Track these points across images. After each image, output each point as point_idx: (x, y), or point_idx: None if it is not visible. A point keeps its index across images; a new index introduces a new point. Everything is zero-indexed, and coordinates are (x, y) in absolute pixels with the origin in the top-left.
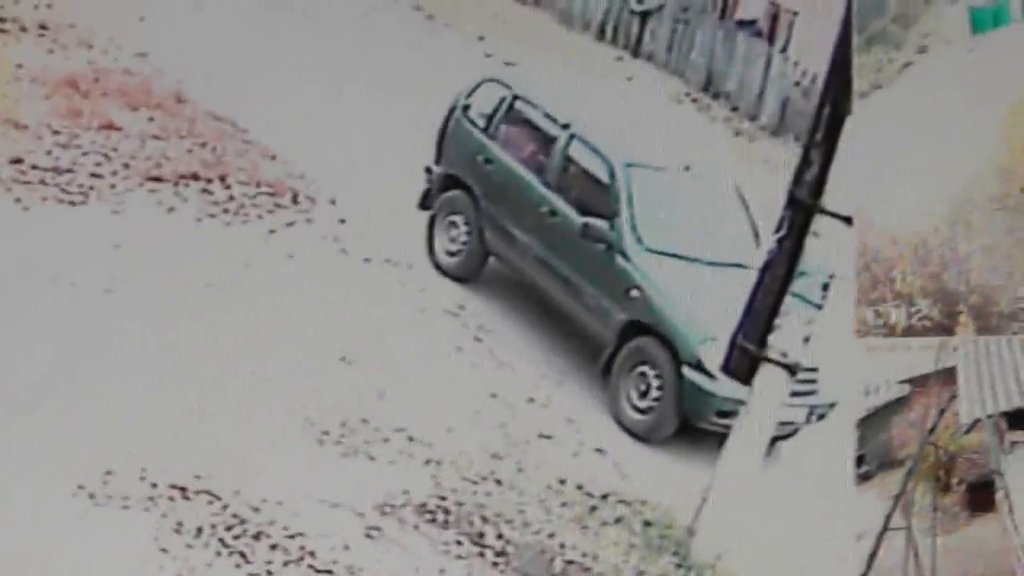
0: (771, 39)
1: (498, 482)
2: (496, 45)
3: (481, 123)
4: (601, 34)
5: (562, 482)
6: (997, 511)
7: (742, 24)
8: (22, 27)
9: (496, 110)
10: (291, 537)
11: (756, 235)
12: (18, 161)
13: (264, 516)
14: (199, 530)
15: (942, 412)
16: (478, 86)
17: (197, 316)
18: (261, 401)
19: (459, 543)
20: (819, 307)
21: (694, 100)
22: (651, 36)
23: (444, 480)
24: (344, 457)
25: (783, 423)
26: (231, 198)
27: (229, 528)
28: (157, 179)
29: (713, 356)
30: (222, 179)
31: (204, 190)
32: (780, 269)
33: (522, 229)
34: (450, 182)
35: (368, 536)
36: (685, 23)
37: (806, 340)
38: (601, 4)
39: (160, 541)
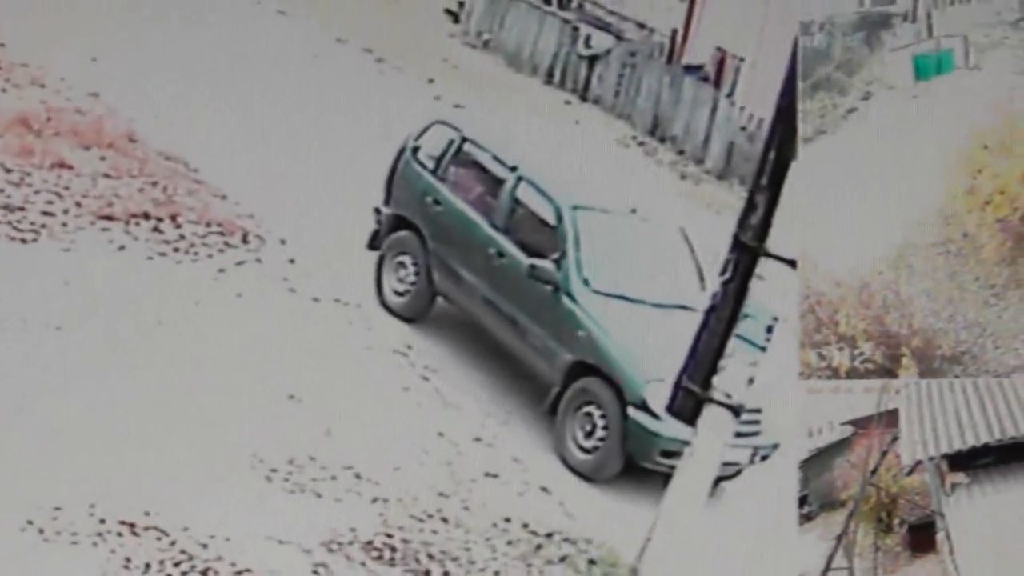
0: (717, 84)
1: (444, 520)
2: (446, 88)
3: (430, 165)
4: (549, 78)
5: (508, 520)
6: (938, 552)
7: (689, 69)
8: None
9: (445, 152)
10: (239, 574)
11: (701, 277)
12: None
13: (212, 552)
14: (147, 566)
15: (884, 454)
16: (427, 128)
17: (147, 354)
18: (209, 438)
19: None
20: (763, 349)
21: (641, 144)
22: (599, 80)
23: (391, 518)
24: (291, 494)
25: (727, 463)
26: (181, 237)
27: (177, 564)
28: (108, 217)
29: (658, 397)
30: (173, 218)
31: (155, 229)
32: (725, 311)
33: (470, 270)
34: (399, 223)
35: (315, 573)
36: (632, 68)
37: (750, 381)
38: (549, 48)
39: None
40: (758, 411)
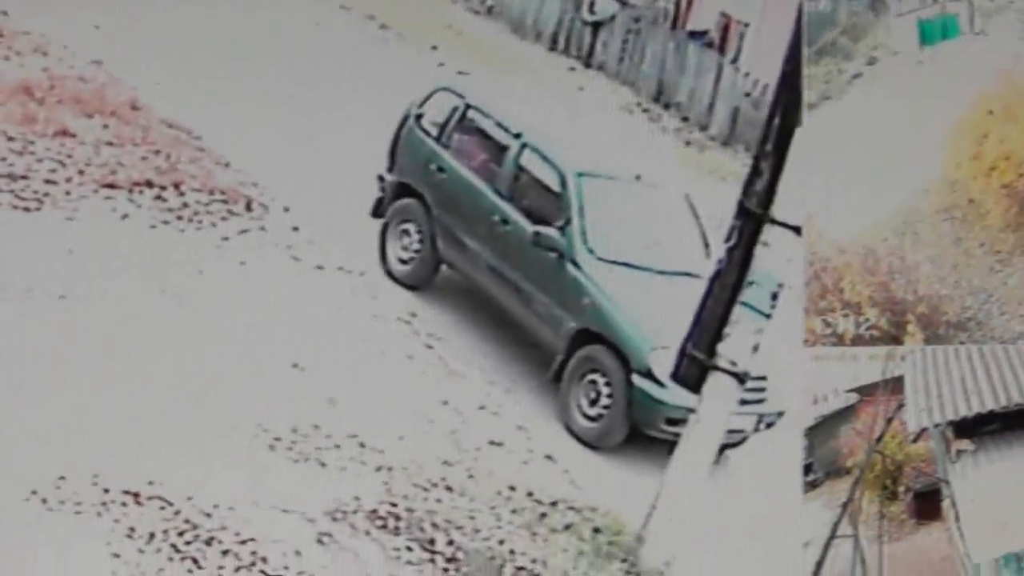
0: (722, 50)
1: (449, 489)
2: (449, 55)
3: (434, 132)
4: (553, 44)
5: (512, 489)
6: (943, 519)
7: (693, 35)
8: None
9: (449, 119)
10: (243, 543)
11: (706, 244)
12: None
13: (216, 522)
14: (151, 535)
15: (889, 421)
16: (431, 95)
17: (150, 322)
18: (213, 407)
19: (410, 549)
20: (768, 316)
21: (645, 110)
22: (603, 47)
23: (395, 487)
24: (295, 463)
25: (732, 431)
26: (185, 205)
27: (181, 534)
28: (111, 186)
29: (663, 364)
30: (176, 186)
31: (158, 197)
32: (730, 278)
33: (474, 237)
34: (402, 190)
35: (319, 542)
36: (636, 34)
37: (755, 349)
38: (553, 15)
39: (112, 546)
40: (763, 378)
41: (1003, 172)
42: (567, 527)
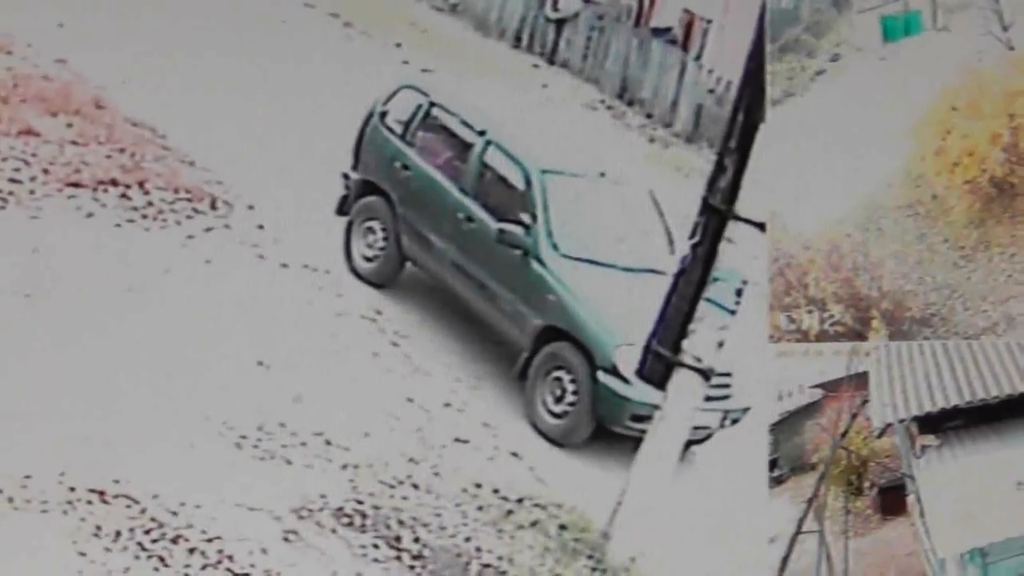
0: (685, 47)
1: (415, 486)
2: (413, 52)
3: (398, 130)
4: (517, 42)
5: (478, 486)
6: (908, 514)
7: (657, 32)
8: None
9: (413, 117)
10: (209, 541)
11: (670, 241)
12: None
13: (182, 520)
14: (117, 534)
15: (854, 416)
16: (395, 93)
17: (115, 321)
18: (179, 405)
19: (376, 547)
20: (733, 312)
21: (609, 107)
22: (566, 44)
23: (361, 484)
24: (261, 461)
25: (697, 427)
26: (149, 204)
27: (147, 532)
28: (76, 185)
29: (628, 361)
30: (141, 185)
31: (123, 196)
32: (694, 275)
33: (439, 235)
34: (367, 188)
35: (285, 540)
36: (600, 31)
37: (720, 345)
38: (517, 12)
39: (78, 545)
40: (728, 375)
41: (966, 168)
42: (533, 524)
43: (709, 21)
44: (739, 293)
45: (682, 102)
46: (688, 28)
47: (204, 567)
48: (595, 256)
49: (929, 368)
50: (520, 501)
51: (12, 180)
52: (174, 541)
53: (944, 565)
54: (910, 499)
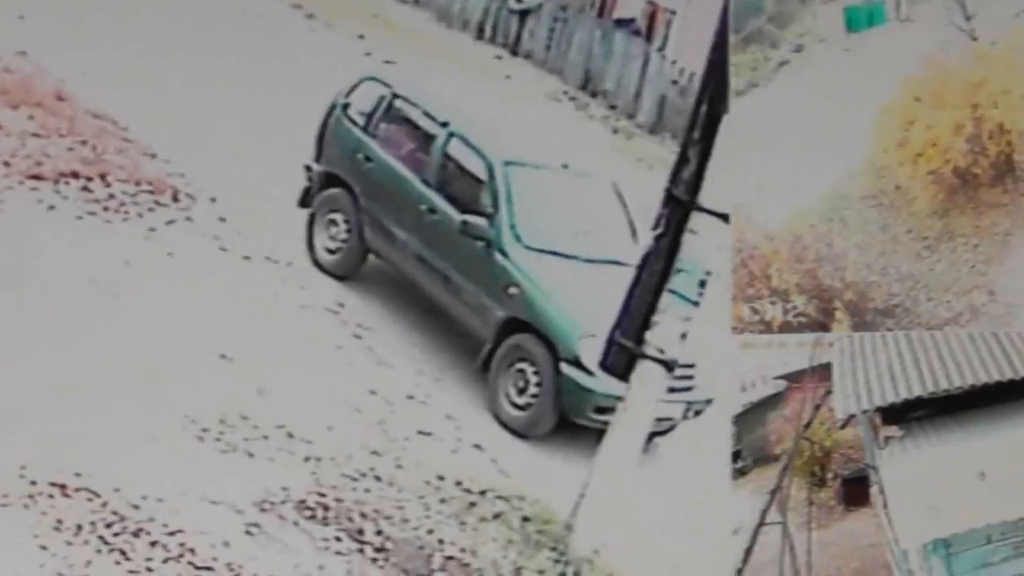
0: (649, 38)
1: (377, 479)
2: (375, 44)
3: (361, 121)
4: (480, 33)
5: (441, 478)
6: (872, 506)
7: (620, 23)
8: None
9: (376, 108)
10: (171, 534)
11: (634, 232)
12: None
13: (144, 513)
14: (79, 527)
15: (817, 408)
16: (358, 84)
17: (77, 313)
18: (141, 398)
19: (338, 539)
20: (696, 304)
21: (572, 98)
22: (529, 35)
23: (323, 477)
24: (223, 454)
25: (660, 419)
26: (111, 196)
27: (109, 525)
28: (37, 177)
29: (591, 353)
30: (102, 177)
31: (84, 188)
32: (657, 266)
33: (401, 227)
34: (330, 180)
35: (248, 533)
36: (563, 22)
37: (683, 336)
38: (480, 3)
39: (40, 539)
40: (691, 366)
41: (930, 158)
42: (496, 516)
43: (672, 12)
44: (702, 284)
45: (645, 93)
46: (651, 19)
47: (166, 560)
48: (558, 247)
49: (892, 359)
50: (483, 493)
51: None
52: (136, 534)
53: (907, 556)
54: (873, 490)
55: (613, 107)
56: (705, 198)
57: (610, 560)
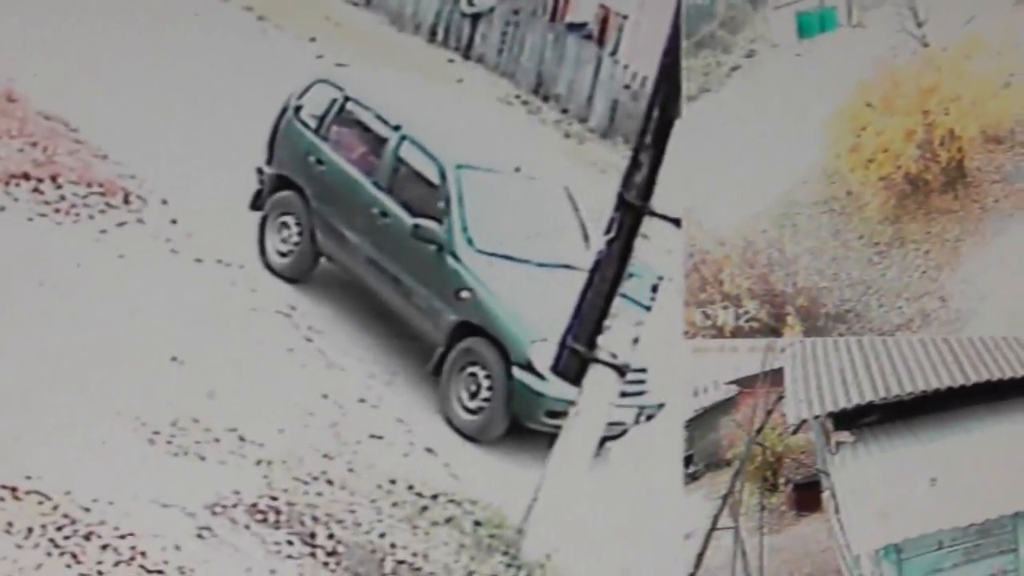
0: (601, 42)
1: (329, 482)
2: (328, 46)
3: (312, 124)
4: (432, 36)
5: (393, 482)
6: (823, 511)
7: (572, 27)
8: None
9: (328, 111)
10: (122, 537)
11: (586, 237)
12: None
13: (95, 516)
14: (29, 530)
15: (769, 413)
16: (310, 87)
17: (28, 316)
18: (92, 401)
19: (290, 543)
20: (648, 308)
21: (524, 102)
22: (482, 38)
23: (275, 480)
24: (175, 457)
25: (612, 423)
26: (62, 198)
27: (60, 528)
28: None
29: (543, 356)
30: (53, 179)
31: (35, 190)
32: (609, 271)
33: (353, 230)
34: (281, 183)
35: (199, 536)
36: (515, 25)
37: (635, 341)
38: (432, 6)
39: None
40: (643, 371)
41: (881, 164)
42: (448, 520)
43: (625, 17)
44: (654, 289)
45: (598, 97)
46: (604, 23)
47: (117, 564)
48: (510, 251)
49: (844, 364)
50: (435, 497)
51: None
52: (86, 538)
53: (859, 561)
54: (825, 495)
55: (565, 111)
56: (657, 203)
57: (562, 564)
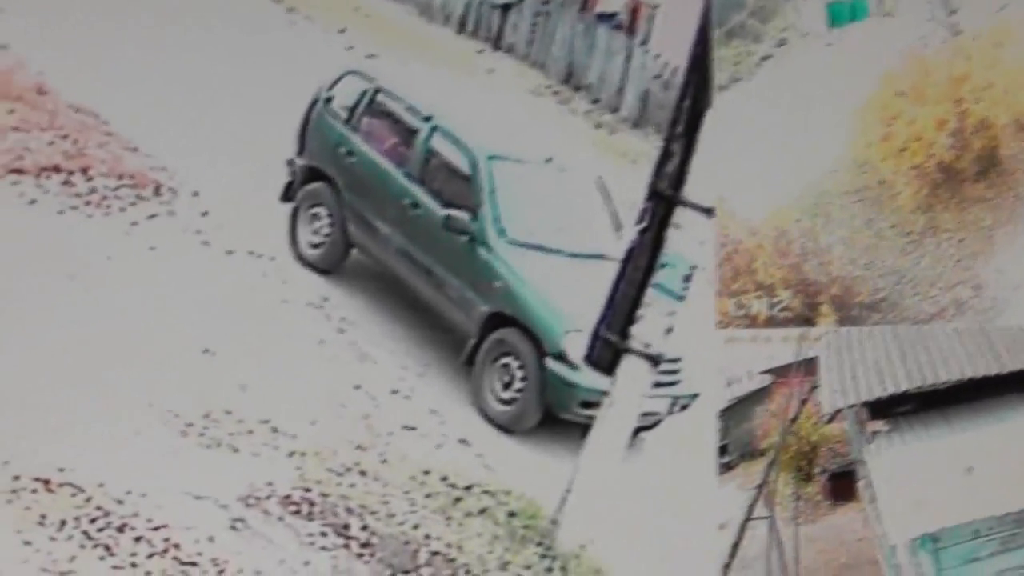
0: (631, 32)
1: (362, 473)
2: (358, 38)
3: (343, 115)
4: (462, 27)
5: (426, 473)
6: (858, 500)
7: (602, 17)
8: None
9: (358, 102)
10: (155, 529)
11: (618, 227)
12: None
13: (128, 508)
14: (63, 523)
15: (803, 402)
16: (340, 78)
17: (59, 309)
18: (124, 393)
19: (324, 535)
20: (681, 298)
21: (555, 93)
22: (512, 29)
23: (308, 472)
24: (208, 449)
25: (646, 414)
26: (93, 190)
27: (93, 520)
28: (18, 171)
29: (576, 347)
30: (84, 171)
31: (66, 182)
32: (642, 260)
33: (384, 221)
34: (312, 174)
35: (233, 528)
36: (546, 16)
37: (668, 331)
38: None
39: (23, 534)
40: (676, 361)
41: (913, 153)
42: (482, 511)
43: (655, 6)
44: (687, 279)
45: (628, 88)
46: (634, 13)
47: (150, 556)
48: (542, 242)
49: (879, 354)
50: (468, 488)
51: None
52: (120, 530)
53: (895, 551)
54: (860, 485)
55: (596, 101)
56: (689, 192)
57: (596, 555)
